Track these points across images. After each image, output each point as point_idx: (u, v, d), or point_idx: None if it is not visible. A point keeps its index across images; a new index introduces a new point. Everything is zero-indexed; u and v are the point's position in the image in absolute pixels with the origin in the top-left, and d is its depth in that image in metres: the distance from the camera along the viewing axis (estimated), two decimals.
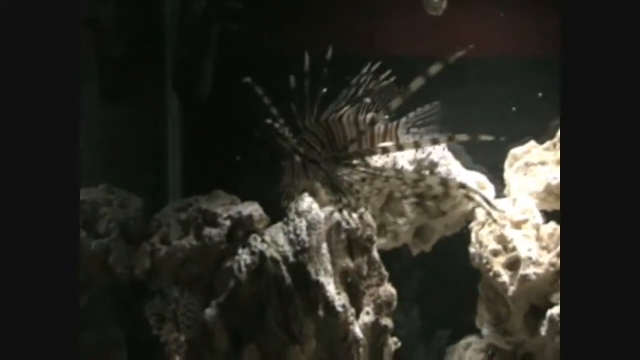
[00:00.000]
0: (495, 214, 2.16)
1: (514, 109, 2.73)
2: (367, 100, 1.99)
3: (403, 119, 2.09)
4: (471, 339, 2.63)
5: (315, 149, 1.97)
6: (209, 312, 2.17)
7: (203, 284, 2.25)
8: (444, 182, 1.88)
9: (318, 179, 2.00)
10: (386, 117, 2.00)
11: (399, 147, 1.90)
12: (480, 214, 2.45)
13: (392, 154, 2.30)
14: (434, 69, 1.75)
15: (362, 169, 1.95)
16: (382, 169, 1.94)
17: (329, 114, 2.05)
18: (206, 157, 2.75)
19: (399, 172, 1.90)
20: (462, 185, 1.88)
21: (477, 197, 1.96)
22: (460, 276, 2.57)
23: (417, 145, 1.87)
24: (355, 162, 1.98)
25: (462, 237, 2.53)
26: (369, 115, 2.02)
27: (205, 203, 2.33)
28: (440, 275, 2.82)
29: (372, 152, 2.01)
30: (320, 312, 2.11)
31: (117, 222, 2.35)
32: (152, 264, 2.27)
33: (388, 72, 2.05)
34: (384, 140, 2.08)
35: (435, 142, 1.85)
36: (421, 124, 2.06)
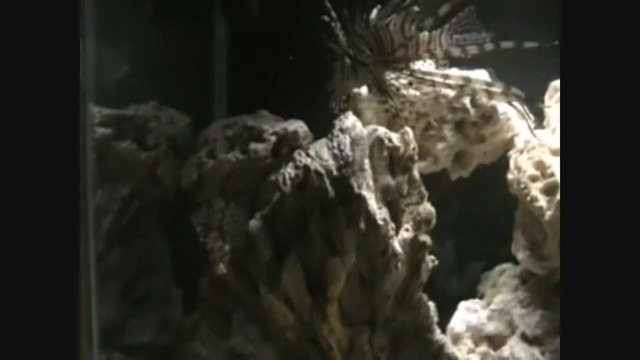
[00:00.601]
0: (531, 124, 2.18)
1: (556, 42, 2.72)
2: (415, 8, 2.03)
3: (446, 26, 2.12)
4: (506, 265, 2.67)
5: (365, 52, 2.02)
6: (253, 223, 2.22)
7: (248, 197, 2.32)
8: (489, 85, 1.92)
9: (366, 81, 2.04)
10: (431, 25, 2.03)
11: (446, 53, 1.94)
12: (519, 141, 2.48)
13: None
14: None
15: (408, 72, 1.99)
16: (428, 72, 1.97)
17: (377, 20, 2.09)
18: (252, 78, 2.80)
19: (445, 76, 1.94)
20: (505, 92, 1.91)
21: (517, 103, 1.98)
22: (498, 206, 2.60)
23: (463, 52, 1.90)
24: (402, 66, 2.02)
25: (500, 166, 2.56)
26: (415, 23, 2.05)
27: (251, 121, 2.39)
28: (478, 204, 2.84)
29: (418, 57, 2.05)
30: (362, 225, 2.14)
31: (166, 136, 2.43)
32: (199, 177, 2.34)
33: None
34: (428, 48, 2.12)
35: (481, 48, 1.88)
36: (462, 30, 2.08)
